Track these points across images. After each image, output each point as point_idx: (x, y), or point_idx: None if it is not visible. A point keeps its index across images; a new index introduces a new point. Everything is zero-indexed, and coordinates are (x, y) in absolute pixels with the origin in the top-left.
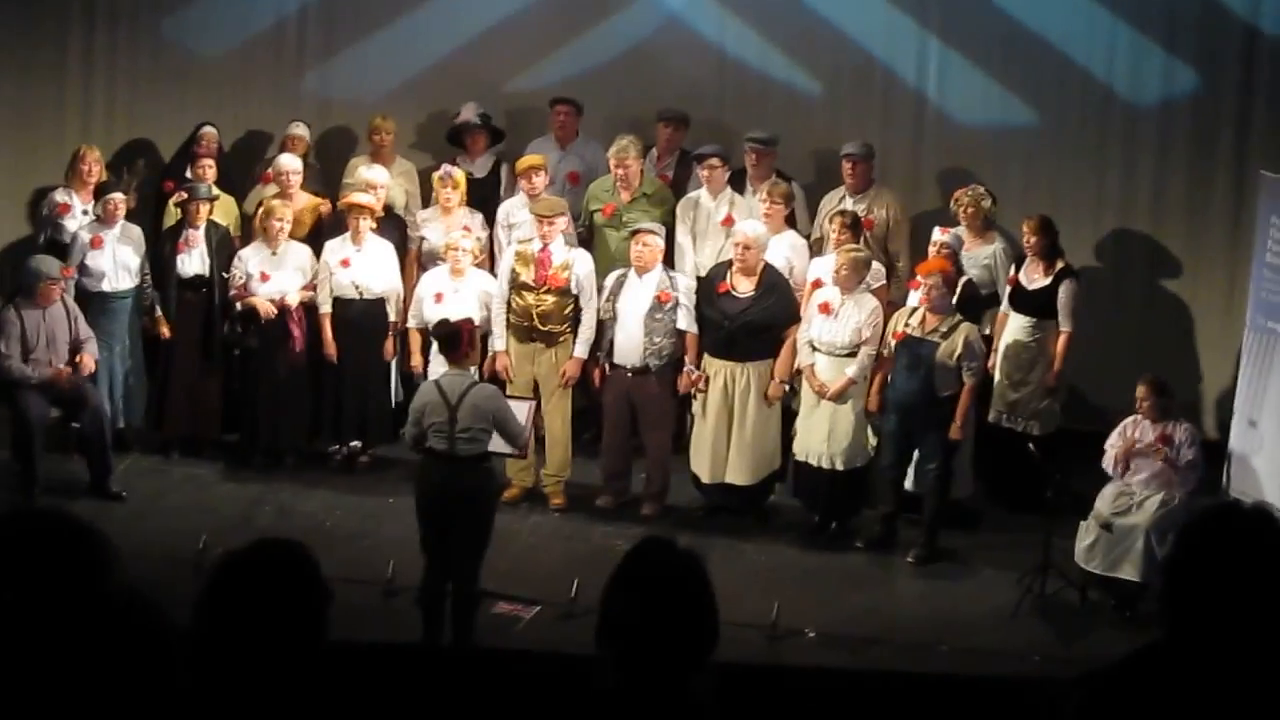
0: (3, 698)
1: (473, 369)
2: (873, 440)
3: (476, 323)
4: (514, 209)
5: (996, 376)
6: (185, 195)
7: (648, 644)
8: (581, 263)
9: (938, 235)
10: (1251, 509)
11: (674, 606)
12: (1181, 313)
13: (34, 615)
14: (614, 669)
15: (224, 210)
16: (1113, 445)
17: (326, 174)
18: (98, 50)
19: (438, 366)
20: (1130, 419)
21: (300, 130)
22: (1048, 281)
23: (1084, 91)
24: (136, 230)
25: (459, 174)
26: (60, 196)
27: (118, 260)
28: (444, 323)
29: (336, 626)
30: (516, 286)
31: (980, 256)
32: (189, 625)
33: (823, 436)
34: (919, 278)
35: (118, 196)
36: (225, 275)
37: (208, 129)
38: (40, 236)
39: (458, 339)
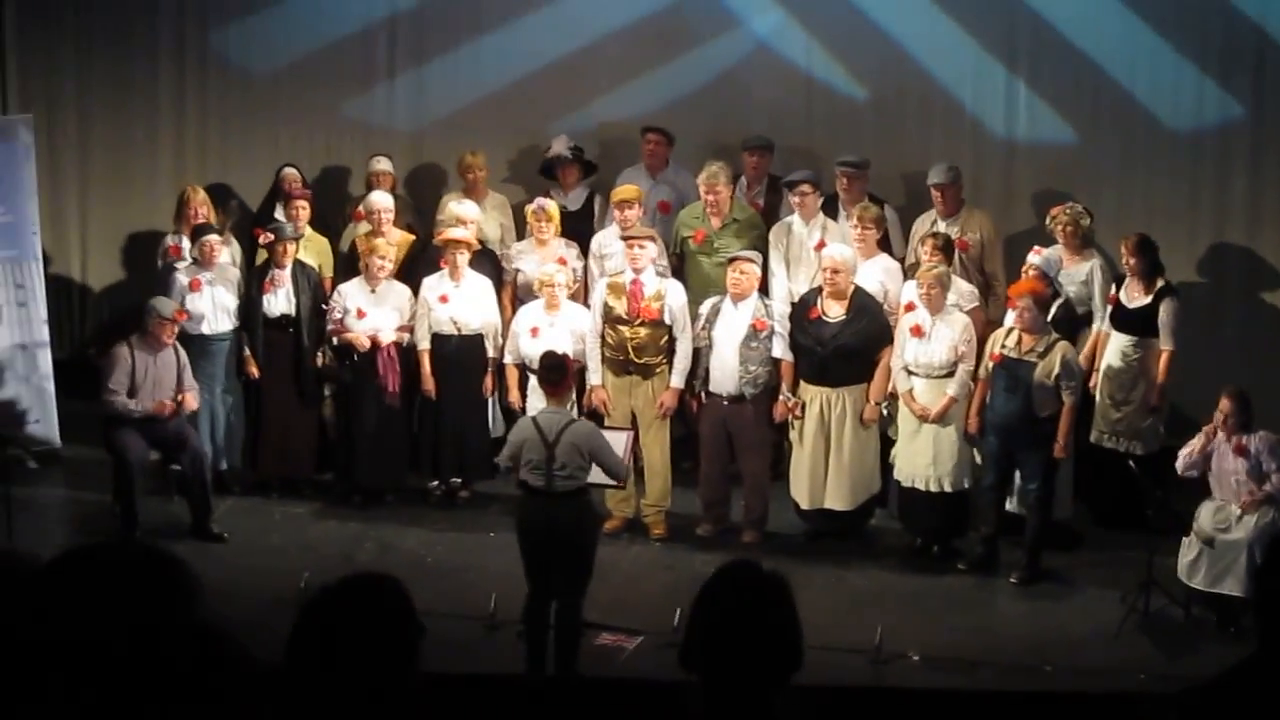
0: None
1: (570, 405)
2: (977, 459)
3: (573, 356)
4: (607, 239)
5: (1098, 396)
6: (271, 236)
7: (731, 663)
8: (674, 293)
9: (1032, 257)
10: None
11: (757, 626)
12: None
13: (117, 646)
14: (700, 690)
15: (317, 250)
16: (1188, 445)
17: (417, 208)
18: (189, 91)
19: (536, 401)
20: (1210, 426)
21: (385, 165)
22: (1148, 300)
23: (1173, 106)
24: (234, 271)
25: (552, 206)
26: (171, 240)
27: (216, 302)
28: (550, 354)
29: (440, 660)
30: (610, 320)
31: (1078, 274)
32: (283, 660)
33: (928, 460)
34: (1012, 299)
35: (213, 238)
36: (324, 308)
37: (289, 170)
38: (158, 281)
39: (564, 370)
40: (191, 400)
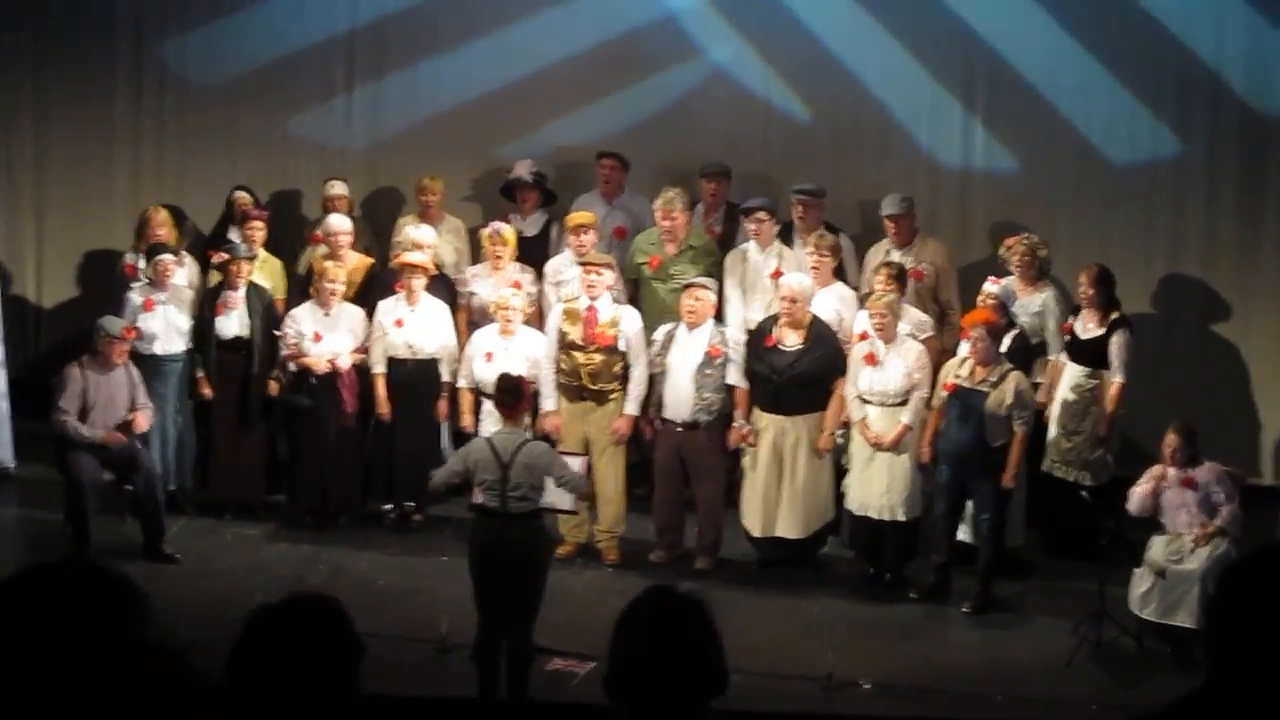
0: None
1: (525, 427)
2: (926, 489)
3: (528, 380)
4: (563, 265)
5: (1051, 426)
6: (226, 256)
7: (653, 690)
8: (629, 320)
9: (989, 286)
10: None
11: (674, 650)
12: (1234, 356)
13: (66, 665)
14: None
15: (271, 271)
16: (1139, 487)
17: (374, 232)
18: (146, 111)
19: (489, 425)
20: (1157, 467)
21: (340, 189)
22: (1101, 331)
23: (1130, 136)
24: (188, 292)
25: (508, 230)
26: (128, 258)
27: (169, 322)
28: (506, 376)
29: (392, 683)
30: (565, 346)
31: (1031, 305)
32: (224, 677)
33: (882, 489)
34: (965, 329)
35: (168, 258)
36: (276, 334)
37: (240, 193)
38: (115, 301)
39: (519, 393)
40: (142, 421)
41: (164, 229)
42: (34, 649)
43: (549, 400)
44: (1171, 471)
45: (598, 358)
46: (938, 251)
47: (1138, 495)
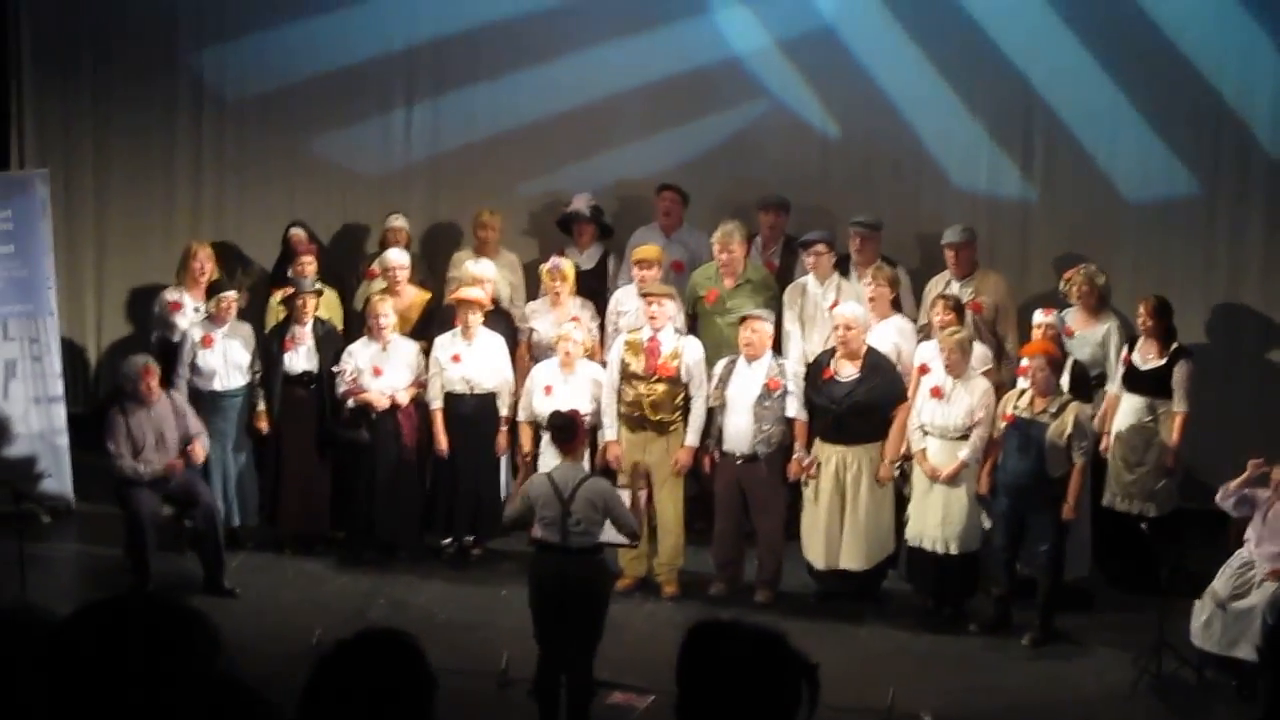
0: None
1: (583, 461)
2: (986, 523)
3: (586, 415)
4: (625, 297)
5: (1110, 459)
6: (291, 291)
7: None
8: (691, 351)
9: (1039, 317)
10: None
11: (749, 682)
12: None
13: (141, 699)
14: None
15: (327, 304)
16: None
17: (431, 266)
18: (206, 147)
19: (549, 459)
20: (1262, 466)
21: (400, 222)
22: (1162, 362)
23: (1190, 166)
24: (247, 327)
25: (567, 265)
26: (171, 294)
27: (228, 359)
28: (558, 414)
29: (452, 718)
30: (627, 376)
31: (1093, 336)
32: (297, 716)
33: (937, 521)
34: (1024, 360)
35: (230, 295)
36: (335, 370)
37: (295, 230)
38: (152, 335)
39: (573, 429)
40: (199, 449)
41: (209, 264)
42: (108, 683)
43: (610, 430)
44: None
45: (660, 388)
46: (998, 285)
47: (1233, 485)
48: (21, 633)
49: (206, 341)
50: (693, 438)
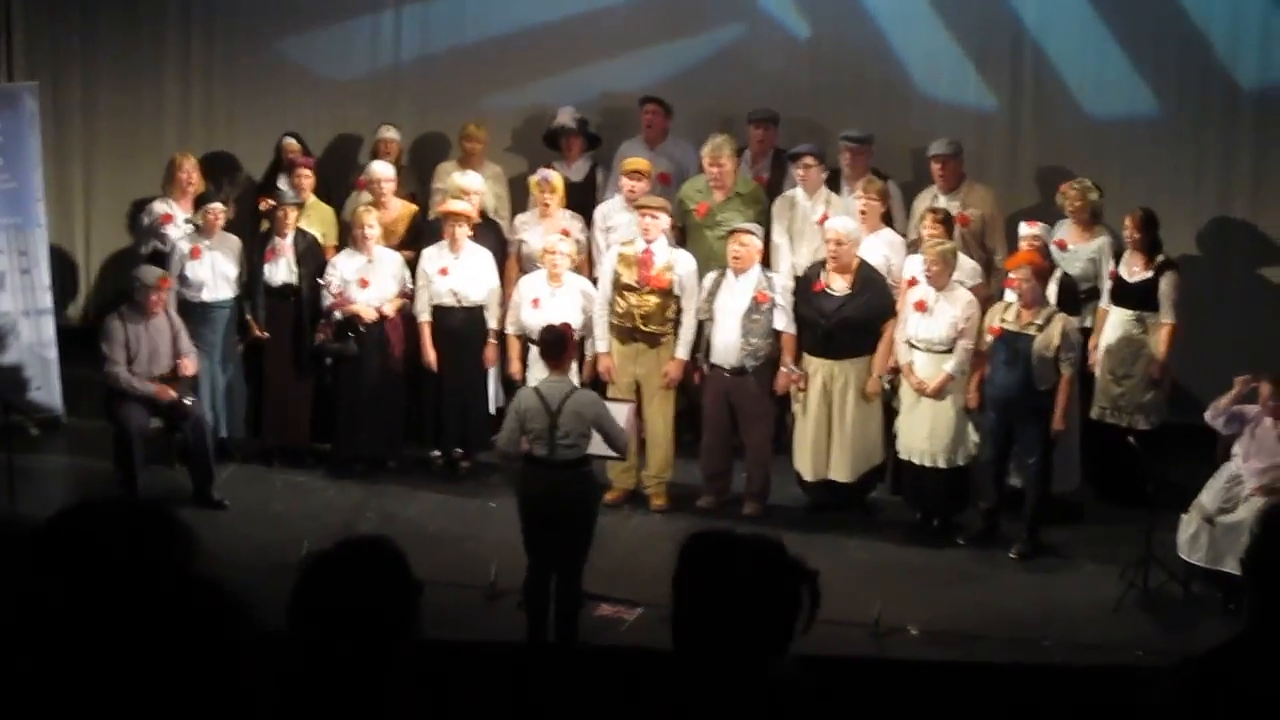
0: (78, 681)
1: (571, 374)
2: (974, 436)
3: (575, 327)
4: (612, 211)
5: (1098, 372)
6: (272, 203)
7: (722, 629)
8: (683, 263)
9: (1025, 229)
10: None
11: (749, 591)
12: None
13: (111, 598)
14: (692, 655)
15: (321, 218)
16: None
17: (419, 179)
18: (195, 59)
19: (537, 372)
20: (1251, 381)
21: (391, 134)
22: (1149, 274)
23: (1180, 83)
24: (235, 240)
25: (556, 178)
26: (161, 206)
27: (216, 270)
28: (549, 328)
29: (440, 629)
30: (619, 288)
31: (1086, 250)
32: (285, 624)
33: (925, 434)
34: (1010, 275)
35: (217, 206)
36: (320, 281)
37: (288, 140)
38: (142, 247)
39: (563, 344)
40: (188, 365)
41: (194, 174)
42: (83, 582)
43: (601, 342)
44: (1268, 420)
45: (651, 300)
46: (985, 198)
47: (1222, 402)
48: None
49: (194, 253)
50: (683, 350)
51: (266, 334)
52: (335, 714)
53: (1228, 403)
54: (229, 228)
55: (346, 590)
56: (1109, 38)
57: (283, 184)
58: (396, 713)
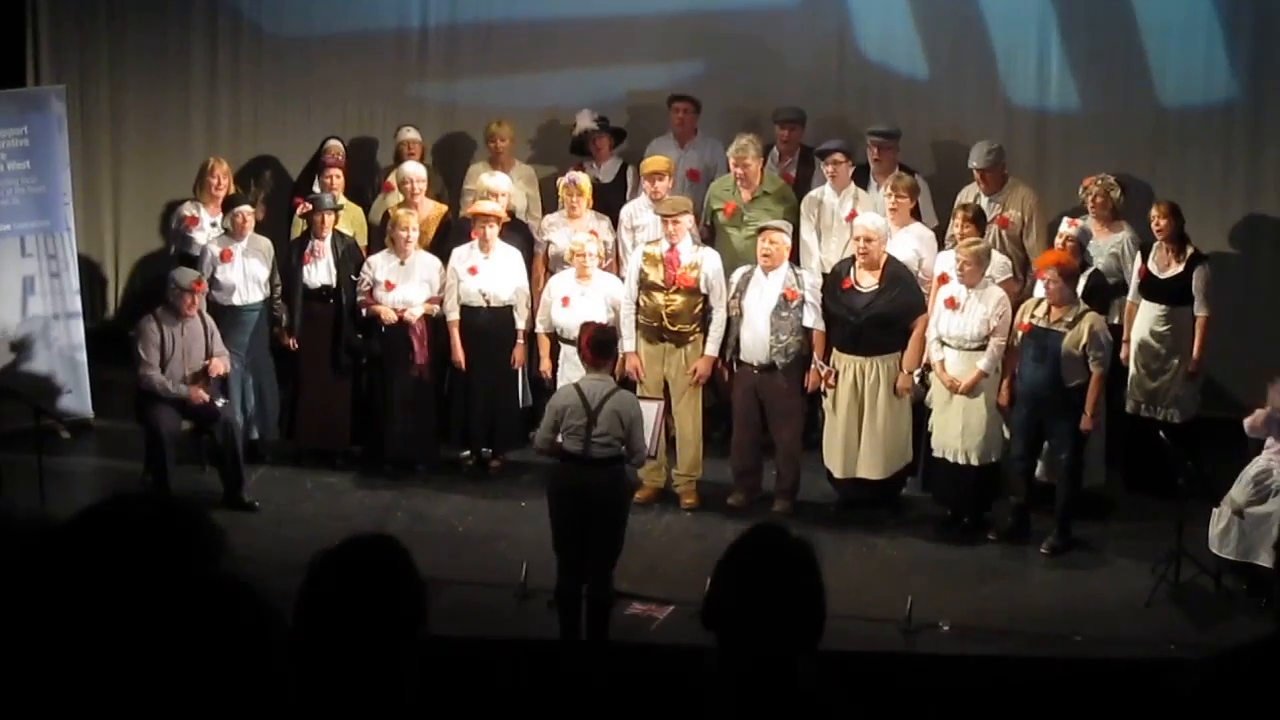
0: (101, 676)
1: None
2: (1007, 434)
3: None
4: (638, 211)
5: (1131, 367)
6: (310, 207)
7: (752, 626)
8: (710, 261)
9: (1065, 227)
10: None
11: (780, 590)
12: None
13: (135, 595)
14: (721, 651)
15: (351, 220)
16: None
17: (445, 179)
18: (221, 62)
19: (570, 370)
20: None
21: (413, 134)
22: (1180, 269)
23: (1206, 76)
24: (265, 242)
25: (583, 180)
26: (188, 210)
27: (247, 273)
28: (602, 328)
29: (472, 627)
30: (645, 287)
31: (1108, 245)
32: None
33: (957, 431)
34: (1039, 269)
35: (246, 209)
36: (354, 279)
37: (333, 142)
38: (171, 250)
39: (611, 346)
40: (219, 365)
41: (225, 179)
42: (107, 578)
43: (629, 341)
44: None
45: (678, 299)
46: (1027, 198)
47: (1259, 422)
48: (27, 538)
49: (225, 256)
50: (712, 348)
51: (295, 343)
52: (343, 713)
53: (1267, 416)
54: (258, 229)
55: (351, 589)
56: (1134, 30)
57: (316, 186)
58: (405, 711)
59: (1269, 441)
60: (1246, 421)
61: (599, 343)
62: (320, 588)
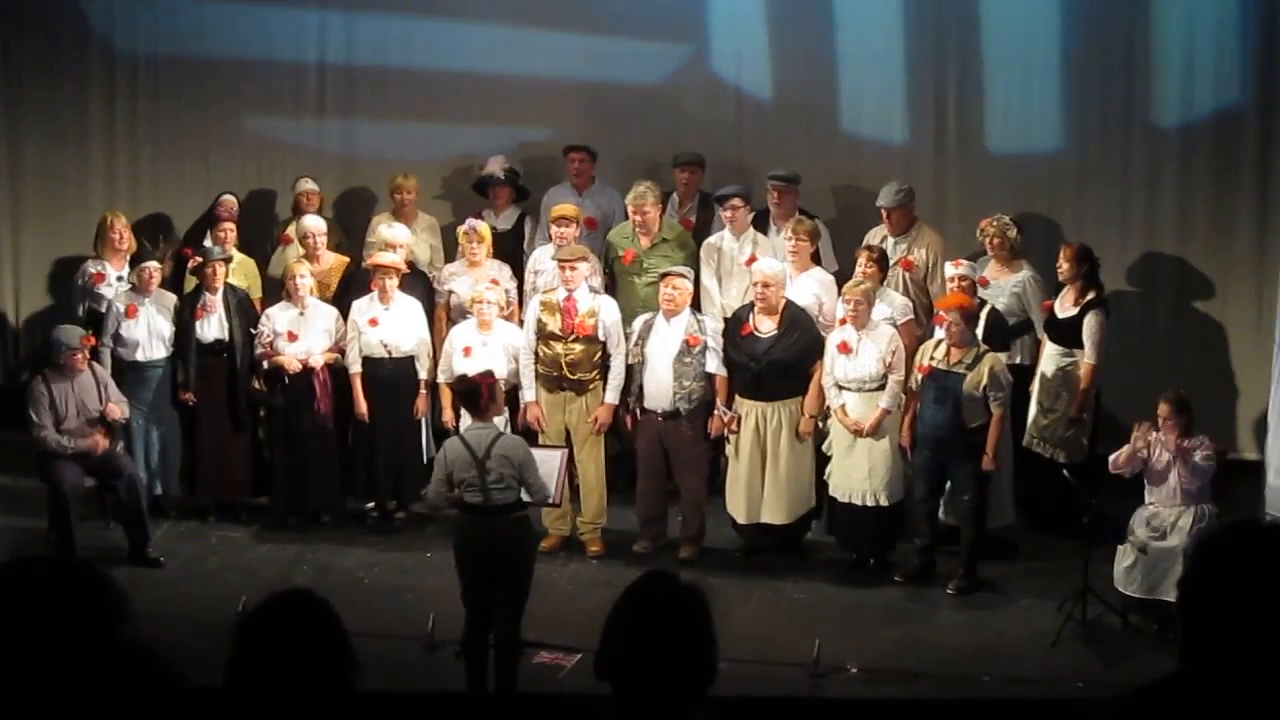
0: None
1: (498, 420)
2: (907, 473)
3: (504, 375)
4: (543, 256)
5: (1030, 403)
6: (200, 260)
7: (644, 674)
8: (607, 309)
9: (950, 269)
10: (1269, 526)
11: (670, 637)
12: (1213, 331)
13: (41, 661)
14: (615, 702)
15: (245, 273)
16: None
17: (347, 230)
18: (119, 118)
19: (468, 420)
20: (1145, 427)
21: (311, 185)
22: (1075, 311)
23: (1104, 115)
24: (171, 297)
25: (483, 227)
26: (93, 267)
27: (151, 329)
28: (463, 379)
29: (379, 680)
30: (544, 336)
31: (1010, 285)
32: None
33: (863, 474)
34: (940, 313)
35: (153, 265)
36: (252, 332)
37: (227, 196)
38: (79, 308)
39: (477, 394)
40: (115, 410)
41: (125, 233)
42: (11, 641)
43: (529, 391)
44: (1160, 439)
45: (577, 348)
46: (933, 241)
47: (1123, 454)
48: None
49: (131, 312)
50: (612, 395)
51: (193, 398)
52: None
53: (1128, 456)
54: (162, 284)
55: (279, 645)
56: (1032, 69)
57: (208, 240)
58: None
59: (1147, 486)
60: (1111, 458)
61: (464, 394)
62: (250, 649)
